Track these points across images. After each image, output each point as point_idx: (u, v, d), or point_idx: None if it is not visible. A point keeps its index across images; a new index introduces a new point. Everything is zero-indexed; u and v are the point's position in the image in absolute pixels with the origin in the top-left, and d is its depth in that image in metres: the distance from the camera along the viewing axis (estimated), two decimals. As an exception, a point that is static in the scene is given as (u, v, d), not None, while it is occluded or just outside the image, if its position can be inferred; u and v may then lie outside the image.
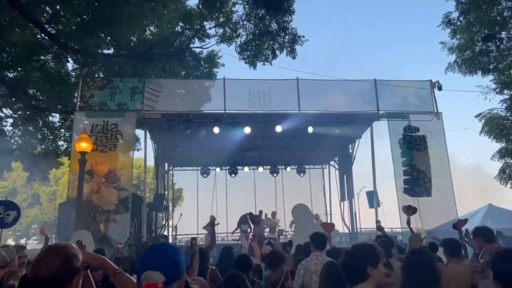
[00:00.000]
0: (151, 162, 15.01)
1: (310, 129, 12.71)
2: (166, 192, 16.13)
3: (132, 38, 14.30)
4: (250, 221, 12.50)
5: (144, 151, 12.54)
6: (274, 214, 14.82)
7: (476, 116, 17.10)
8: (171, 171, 17.63)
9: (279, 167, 18.10)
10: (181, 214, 14.61)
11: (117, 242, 10.16)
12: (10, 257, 3.81)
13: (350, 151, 15.89)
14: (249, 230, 14.26)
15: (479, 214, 13.44)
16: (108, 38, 13.84)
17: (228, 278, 3.68)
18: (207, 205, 18.25)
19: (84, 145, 9.57)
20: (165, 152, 15.67)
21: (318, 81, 12.90)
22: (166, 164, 17.02)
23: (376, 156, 13.20)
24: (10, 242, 37.65)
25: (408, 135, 12.87)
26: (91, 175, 11.24)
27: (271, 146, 15.96)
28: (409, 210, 7.35)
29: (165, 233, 15.75)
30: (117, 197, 11.14)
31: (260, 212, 14.50)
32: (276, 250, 5.66)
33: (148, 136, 13.65)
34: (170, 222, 17.00)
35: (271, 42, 12.94)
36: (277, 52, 13.15)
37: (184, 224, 15.72)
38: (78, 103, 12.08)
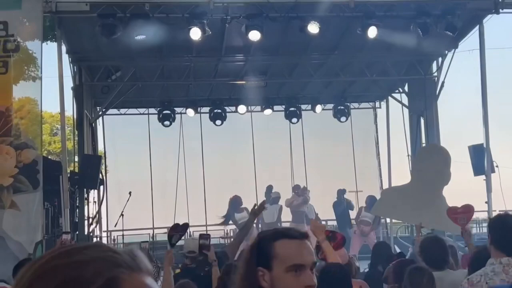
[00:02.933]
0: (68, 103, 14.19)
1: (372, 32, 12.01)
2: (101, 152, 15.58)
3: None
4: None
5: (59, 73, 11.64)
6: (297, 189, 14.51)
7: None
8: (101, 118, 16.93)
9: (302, 106, 17.55)
10: (130, 193, 14.28)
11: (19, 245, 9.92)
12: None
13: (434, 73, 15.36)
14: (243, 220, 14.10)
15: None
16: None
17: None
18: (170, 176, 17.99)
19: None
20: (94, 82, 14.95)
21: None
22: (93, 103, 16.26)
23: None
24: None
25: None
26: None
27: (289, 69, 15.48)
28: None
29: (95, 227, 15.38)
30: (15, 162, 10.49)
31: (270, 187, 14.21)
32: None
33: (64, 49, 12.88)
34: (104, 207, 16.72)
35: None
36: None
37: (128, 211, 15.28)
38: None
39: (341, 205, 15.51)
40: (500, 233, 3.84)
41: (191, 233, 19.19)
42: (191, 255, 6.70)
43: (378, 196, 16.30)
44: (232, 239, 6.70)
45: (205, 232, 6.27)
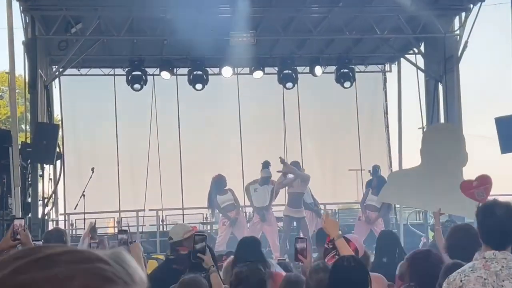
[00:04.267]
0: (19, 60, 14.05)
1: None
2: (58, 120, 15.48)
3: None
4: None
5: (9, 24, 11.57)
6: (296, 165, 14.75)
7: None
8: (57, 79, 16.88)
9: (298, 68, 17.46)
10: (92, 170, 14.32)
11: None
12: None
13: (456, 30, 15.43)
14: (227, 203, 14.24)
15: None
16: None
17: None
18: (140, 151, 18.13)
19: None
20: (50, 36, 14.89)
21: None
22: (49, 61, 16.27)
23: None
24: None
25: None
26: None
27: (283, 24, 15.45)
28: None
29: (51, 209, 15.46)
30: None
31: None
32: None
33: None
34: (61, 186, 16.74)
35: None
36: None
37: (90, 191, 15.31)
38: None
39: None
40: (487, 224, 3.92)
41: (164, 217, 19.35)
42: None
43: (384, 176, 16.36)
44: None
45: (199, 232, 6.17)
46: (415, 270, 5.19)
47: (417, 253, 5.72)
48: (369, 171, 15.58)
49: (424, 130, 16.48)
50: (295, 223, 14.32)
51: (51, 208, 15.35)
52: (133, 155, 18.39)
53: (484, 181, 7.72)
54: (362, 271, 4.43)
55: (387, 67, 19.31)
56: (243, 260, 5.71)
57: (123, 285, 0.99)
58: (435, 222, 8.36)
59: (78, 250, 1.04)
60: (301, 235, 14.12)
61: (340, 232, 5.11)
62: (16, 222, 6.31)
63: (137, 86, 16.76)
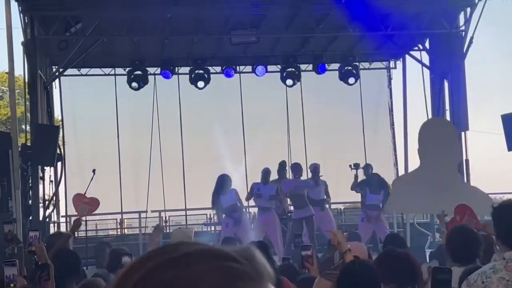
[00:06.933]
0: (18, 61, 14.04)
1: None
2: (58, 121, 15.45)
3: None
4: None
5: (7, 24, 11.63)
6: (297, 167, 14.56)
7: None
8: (57, 79, 16.85)
9: (301, 66, 17.51)
10: (93, 171, 14.27)
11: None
12: None
13: (462, 26, 15.37)
14: (230, 203, 14.20)
15: None
16: None
17: None
18: (141, 151, 18.17)
19: None
20: (49, 36, 14.79)
21: None
22: (49, 61, 16.19)
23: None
24: None
25: None
26: None
27: (286, 21, 15.44)
28: None
29: (52, 212, 15.44)
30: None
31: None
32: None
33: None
34: (62, 188, 16.74)
35: None
36: None
37: (92, 193, 15.27)
38: None
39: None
40: (505, 224, 3.87)
41: (167, 218, 19.30)
42: None
43: (390, 175, 16.31)
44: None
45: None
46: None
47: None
48: (350, 166, 15.42)
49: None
50: (304, 224, 14.18)
51: (52, 211, 15.34)
52: (135, 155, 18.39)
53: (462, 211, 7.75)
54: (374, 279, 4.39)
55: (391, 64, 19.31)
56: None
57: (253, 282, 1.03)
58: (440, 225, 8.38)
59: (210, 248, 1.08)
60: (307, 235, 14.11)
61: (347, 246, 5.11)
62: (31, 233, 6.36)
63: (134, 84, 16.79)
